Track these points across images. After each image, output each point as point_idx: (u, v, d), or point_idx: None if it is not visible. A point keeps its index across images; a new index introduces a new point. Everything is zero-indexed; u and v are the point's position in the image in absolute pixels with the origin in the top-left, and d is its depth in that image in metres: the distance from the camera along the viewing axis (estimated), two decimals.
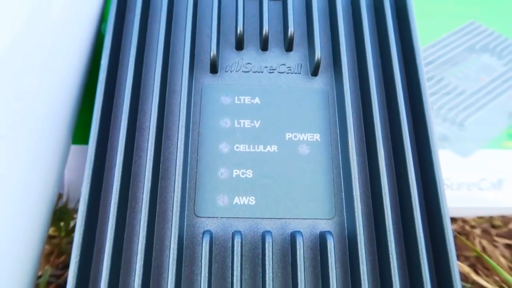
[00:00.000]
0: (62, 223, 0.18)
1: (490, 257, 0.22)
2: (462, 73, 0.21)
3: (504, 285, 0.20)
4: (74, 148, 0.18)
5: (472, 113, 0.20)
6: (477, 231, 0.26)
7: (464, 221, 0.26)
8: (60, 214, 0.17)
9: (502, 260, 0.22)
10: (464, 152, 0.20)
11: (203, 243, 0.12)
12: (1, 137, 0.12)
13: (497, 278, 0.21)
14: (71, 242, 0.20)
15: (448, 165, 0.20)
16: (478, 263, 0.22)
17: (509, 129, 0.20)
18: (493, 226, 0.27)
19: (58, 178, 0.15)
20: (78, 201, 0.18)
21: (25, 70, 0.12)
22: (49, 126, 0.14)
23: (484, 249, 0.23)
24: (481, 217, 0.27)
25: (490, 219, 0.27)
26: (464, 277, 0.20)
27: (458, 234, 0.24)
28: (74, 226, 0.18)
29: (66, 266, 0.20)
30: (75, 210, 0.18)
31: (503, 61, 0.21)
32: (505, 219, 0.27)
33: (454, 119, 0.20)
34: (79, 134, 0.18)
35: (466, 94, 0.20)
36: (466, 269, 0.19)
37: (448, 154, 0.20)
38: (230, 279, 0.12)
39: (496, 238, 0.25)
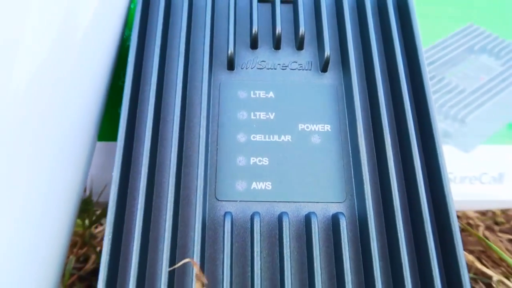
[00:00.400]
0: (86, 215, 0.19)
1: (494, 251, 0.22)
2: (462, 73, 0.22)
3: (509, 275, 0.21)
4: (98, 144, 0.19)
5: (473, 110, 0.21)
6: (481, 228, 0.26)
7: (468, 217, 0.27)
8: (84, 206, 0.18)
9: (507, 254, 0.23)
10: (465, 148, 0.21)
11: (225, 223, 0.13)
12: (39, 135, 0.13)
13: (502, 269, 0.22)
14: (93, 235, 0.21)
15: (451, 160, 0.21)
16: (483, 255, 0.23)
17: (508, 125, 0.21)
18: (496, 223, 0.28)
19: (85, 173, 0.16)
20: (100, 194, 0.19)
21: (58, 75, 0.14)
22: (79, 126, 0.15)
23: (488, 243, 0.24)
24: (484, 214, 0.28)
25: (493, 216, 0.28)
26: (469, 267, 0.20)
27: (462, 230, 0.25)
28: (97, 217, 0.19)
29: (87, 258, 0.21)
30: (98, 203, 0.19)
31: (500, 62, 0.22)
32: (508, 217, 0.28)
33: (455, 116, 0.21)
34: (102, 131, 0.19)
35: (466, 92, 0.22)
36: (471, 257, 0.20)
37: (450, 149, 0.21)
38: (250, 256, 0.13)
39: (500, 234, 0.26)
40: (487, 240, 0.18)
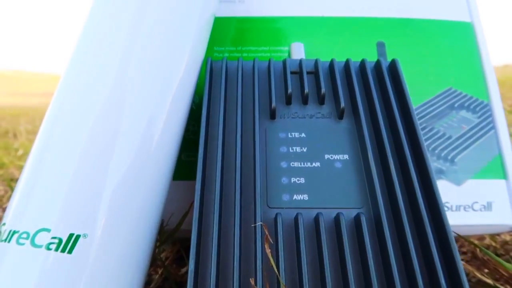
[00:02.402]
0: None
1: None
2: (447, 124, 0.28)
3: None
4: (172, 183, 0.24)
5: (460, 152, 0.27)
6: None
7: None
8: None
9: None
10: (457, 181, 0.26)
11: (278, 222, 0.18)
12: (138, 179, 0.19)
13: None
14: (161, 251, 0.26)
15: (446, 192, 0.26)
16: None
17: (490, 163, 0.27)
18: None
19: (162, 209, 0.21)
20: (167, 221, 0.24)
21: (152, 137, 0.20)
22: (168, 172, 0.21)
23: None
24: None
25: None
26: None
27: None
28: (162, 242, 0.24)
29: (150, 280, 0.25)
30: (164, 230, 0.24)
31: (476, 115, 0.28)
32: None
33: (446, 157, 0.27)
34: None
35: (453, 138, 0.27)
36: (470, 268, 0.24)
37: (444, 183, 0.26)
38: (296, 247, 0.18)
39: None
40: (478, 245, 0.22)
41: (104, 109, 0.19)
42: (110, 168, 0.18)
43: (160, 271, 0.25)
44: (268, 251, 0.17)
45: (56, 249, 0.16)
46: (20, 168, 0.69)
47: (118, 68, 0.20)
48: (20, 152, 0.84)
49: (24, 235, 0.16)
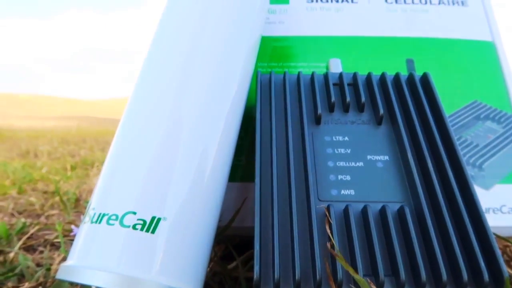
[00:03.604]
0: None
1: None
2: (474, 133, 0.30)
3: None
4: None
5: (487, 159, 0.29)
6: None
7: None
8: None
9: None
10: (485, 186, 0.28)
11: (331, 212, 0.20)
12: (204, 177, 0.21)
13: None
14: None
15: None
16: None
17: None
18: None
19: (222, 203, 0.23)
20: (220, 218, 0.26)
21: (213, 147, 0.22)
22: (225, 175, 0.23)
23: None
24: None
25: None
26: None
27: None
28: (220, 232, 0.26)
29: None
30: (220, 227, 0.26)
31: (501, 125, 0.30)
32: None
33: (474, 163, 0.29)
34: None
35: (480, 146, 0.29)
36: None
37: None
38: (347, 234, 0.20)
39: None
40: None
41: (174, 126, 0.21)
42: (184, 168, 0.20)
43: (209, 266, 0.27)
44: (328, 231, 0.19)
45: (142, 229, 0.18)
46: (49, 181, 0.73)
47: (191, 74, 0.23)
48: (45, 169, 0.88)
49: (113, 217, 0.19)
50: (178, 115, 0.21)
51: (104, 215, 0.19)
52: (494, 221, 0.27)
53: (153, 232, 0.18)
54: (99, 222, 0.19)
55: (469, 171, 0.29)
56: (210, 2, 0.25)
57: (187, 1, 0.26)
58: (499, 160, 0.29)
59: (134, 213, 0.19)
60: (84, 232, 0.19)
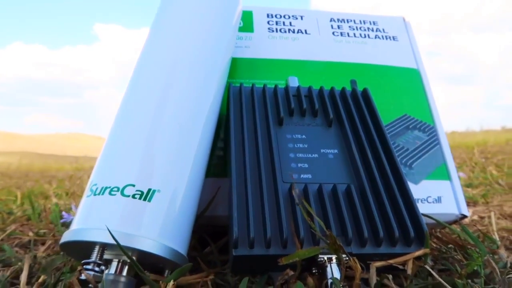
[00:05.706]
0: None
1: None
2: (405, 140, 0.37)
3: None
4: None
5: (415, 160, 0.36)
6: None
7: None
8: None
9: None
10: (415, 181, 0.35)
11: (296, 190, 0.25)
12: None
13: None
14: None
15: None
16: None
17: (437, 168, 0.35)
18: None
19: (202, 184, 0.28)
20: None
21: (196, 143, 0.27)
22: (203, 161, 0.28)
23: None
24: None
25: None
26: None
27: None
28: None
29: None
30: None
31: (426, 134, 0.37)
32: None
33: (406, 163, 0.35)
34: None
35: (410, 150, 0.36)
36: None
37: None
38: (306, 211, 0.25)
39: None
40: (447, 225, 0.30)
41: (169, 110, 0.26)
42: (175, 152, 0.25)
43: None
44: (296, 195, 0.24)
45: (140, 198, 0.22)
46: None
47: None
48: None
49: (115, 189, 0.22)
50: (171, 111, 0.26)
51: (106, 187, 0.23)
52: (422, 210, 0.33)
53: (149, 201, 0.22)
54: (102, 194, 0.22)
55: (402, 169, 0.35)
56: (195, 30, 0.31)
57: (174, 25, 0.31)
58: (425, 161, 0.36)
59: (133, 185, 0.22)
60: (88, 203, 0.23)
